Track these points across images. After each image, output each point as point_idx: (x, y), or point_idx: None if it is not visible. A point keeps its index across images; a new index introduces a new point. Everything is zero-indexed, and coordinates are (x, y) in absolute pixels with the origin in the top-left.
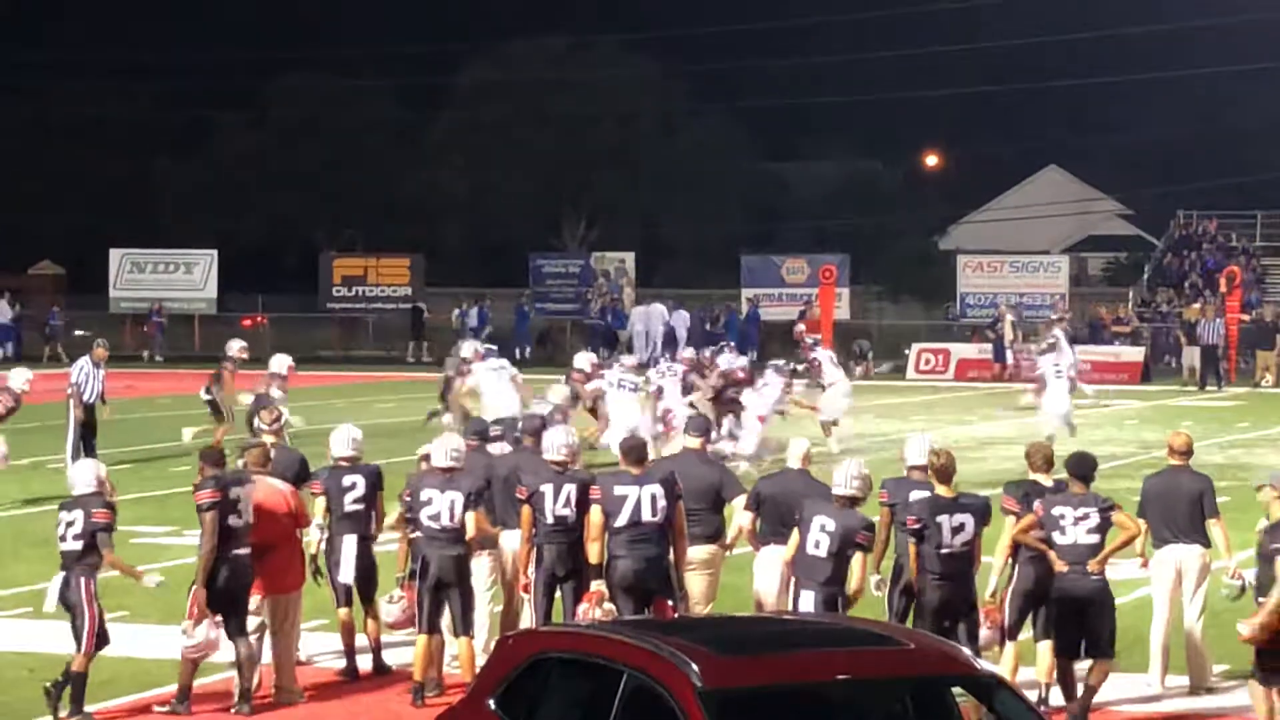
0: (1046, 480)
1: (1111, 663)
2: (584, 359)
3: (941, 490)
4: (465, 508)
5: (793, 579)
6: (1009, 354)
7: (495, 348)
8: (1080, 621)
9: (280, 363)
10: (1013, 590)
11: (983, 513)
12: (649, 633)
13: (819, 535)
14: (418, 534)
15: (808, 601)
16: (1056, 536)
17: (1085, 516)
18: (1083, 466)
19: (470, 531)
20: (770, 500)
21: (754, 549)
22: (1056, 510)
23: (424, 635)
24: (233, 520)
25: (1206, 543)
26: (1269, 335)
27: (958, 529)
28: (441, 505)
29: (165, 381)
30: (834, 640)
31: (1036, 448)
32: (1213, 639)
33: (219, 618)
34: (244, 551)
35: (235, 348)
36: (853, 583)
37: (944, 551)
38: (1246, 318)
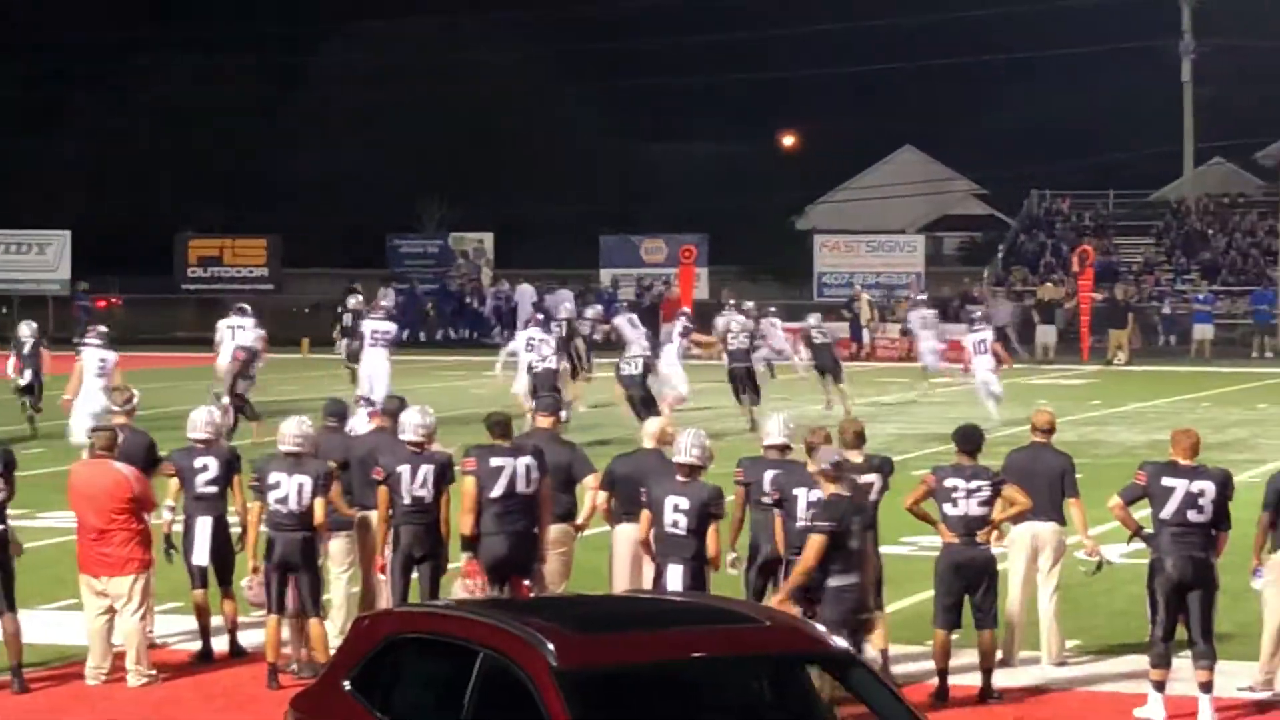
0: (857, 457)
1: (995, 633)
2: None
3: (811, 466)
4: (314, 493)
5: (656, 557)
6: (865, 333)
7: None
8: (969, 592)
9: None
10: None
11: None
12: (504, 612)
13: (675, 515)
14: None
15: (675, 577)
16: (948, 508)
17: (978, 489)
18: (970, 441)
19: (318, 517)
20: (624, 479)
21: (610, 527)
22: (949, 482)
23: (273, 616)
24: None
25: (1063, 520)
26: (1121, 314)
27: (814, 503)
28: (289, 489)
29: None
30: (690, 619)
31: (848, 424)
32: (1066, 614)
33: None
34: None
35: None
36: (710, 549)
37: (799, 525)
38: (1099, 296)
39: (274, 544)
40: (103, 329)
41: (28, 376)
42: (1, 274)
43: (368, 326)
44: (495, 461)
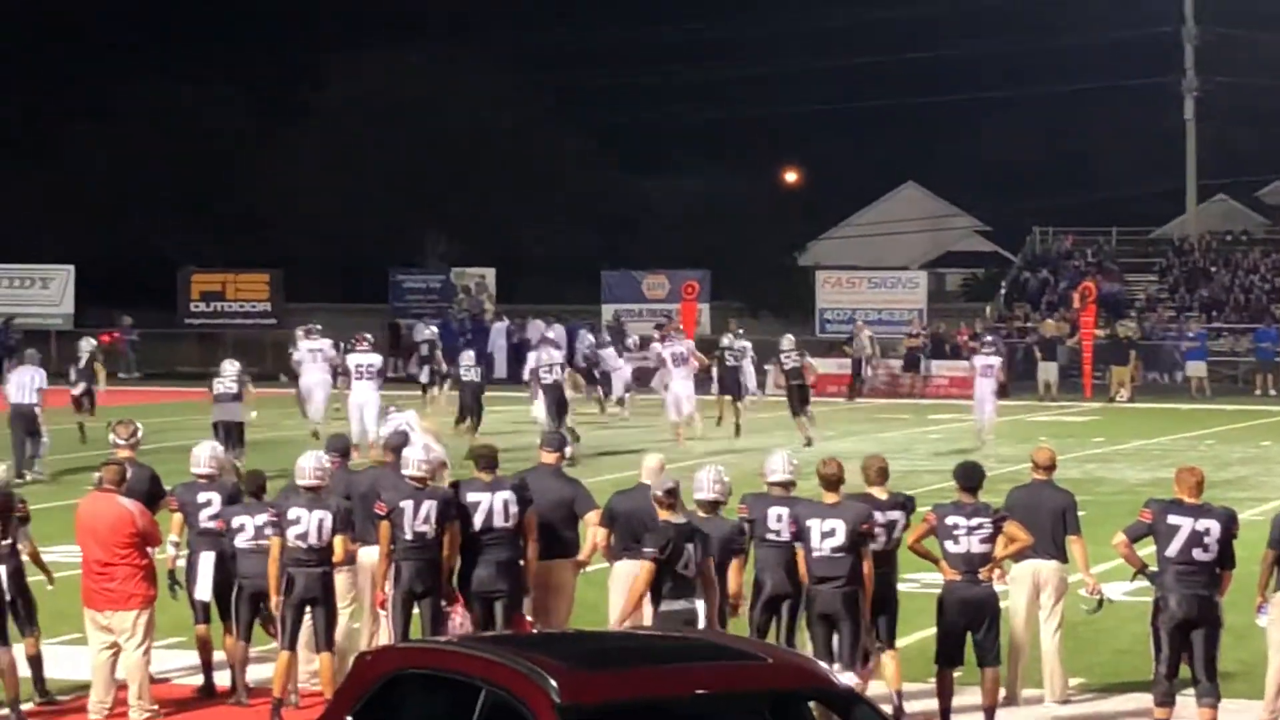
0: (880, 494)
1: (999, 670)
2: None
3: (827, 497)
4: (334, 529)
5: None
6: (867, 369)
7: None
8: (971, 629)
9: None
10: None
11: (856, 520)
12: (507, 648)
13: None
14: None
15: (699, 611)
16: (949, 545)
17: (979, 526)
18: (971, 478)
19: (339, 554)
20: (624, 516)
21: (609, 563)
22: (950, 520)
23: (285, 652)
24: None
25: (1065, 558)
26: (1123, 351)
27: (828, 534)
28: (310, 524)
29: None
30: (692, 655)
31: (871, 460)
32: (1070, 652)
33: None
34: None
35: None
36: (731, 586)
37: (815, 555)
38: (1102, 333)
39: (294, 580)
40: None
41: (80, 388)
42: (5, 308)
43: (353, 360)
44: (472, 497)
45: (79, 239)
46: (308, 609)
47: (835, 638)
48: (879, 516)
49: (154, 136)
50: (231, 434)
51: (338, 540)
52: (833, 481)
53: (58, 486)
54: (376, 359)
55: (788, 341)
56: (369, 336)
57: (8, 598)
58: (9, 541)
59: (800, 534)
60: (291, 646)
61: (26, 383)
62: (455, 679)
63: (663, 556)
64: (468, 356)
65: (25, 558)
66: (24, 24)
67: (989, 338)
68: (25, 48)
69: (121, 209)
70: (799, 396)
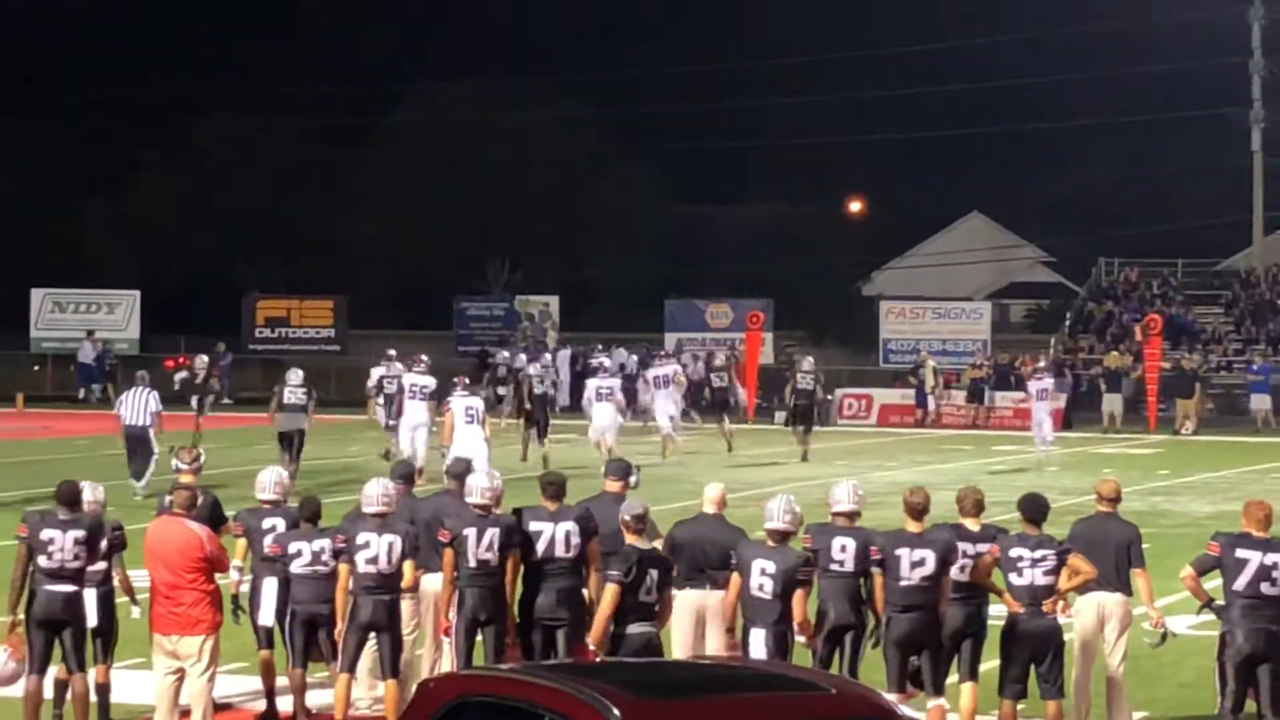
0: (974, 525)
1: (1063, 703)
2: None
3: (911, 526)
4: (403, 554)
5: (740, 619)
6: (931, 400)
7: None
8: (1035, 662)
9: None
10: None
11: (945, 550)
12: (569, 676)
13: (761, 579)
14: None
15: (757, 640)
16: (1013, 578)
17: (1043, 559)
18: (1036, 510)
19: (407, 579)
20: (684, 545)
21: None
22: (1014, 552)
23: (345, 676)
24: (41, 559)
25: (1130, 591)
26: (1189, 383)
27: (917, 563)
28: (380, 549)
29: (91, 423)
30: (754, 685)
31: (967, 492)
32: (1133, 686)
33: (15, 650)
34: (57, 589)
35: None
36: (796, 616)
37: (903, 584)
38: (1167, 365)
39: (360, 606)
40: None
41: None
42: (73, 333)
43: (408, 381)
44: (535, 526)
45: (145, 265)
46: (371, 635)
47: (919, 664)
48: (969, 548)
49: (220, 165)
50: (294, 442)
51: (406, 565)
52: (919, 510)
53: (136, 509)
54: (431, 381)
55: (808, 363)
56: (425, 358)
57: (94, 623)
58: (101, 567)
59: (885, 563)
60: (351, 670)
61: (140, 405)
62: (518, 706)
63: (626, 580)
64: (536, 368)
65: (115, 583)
66: (95, 56)
67: (1042, 363)
68: (97, 79)
69: (188, 236)
70: (804, 416)
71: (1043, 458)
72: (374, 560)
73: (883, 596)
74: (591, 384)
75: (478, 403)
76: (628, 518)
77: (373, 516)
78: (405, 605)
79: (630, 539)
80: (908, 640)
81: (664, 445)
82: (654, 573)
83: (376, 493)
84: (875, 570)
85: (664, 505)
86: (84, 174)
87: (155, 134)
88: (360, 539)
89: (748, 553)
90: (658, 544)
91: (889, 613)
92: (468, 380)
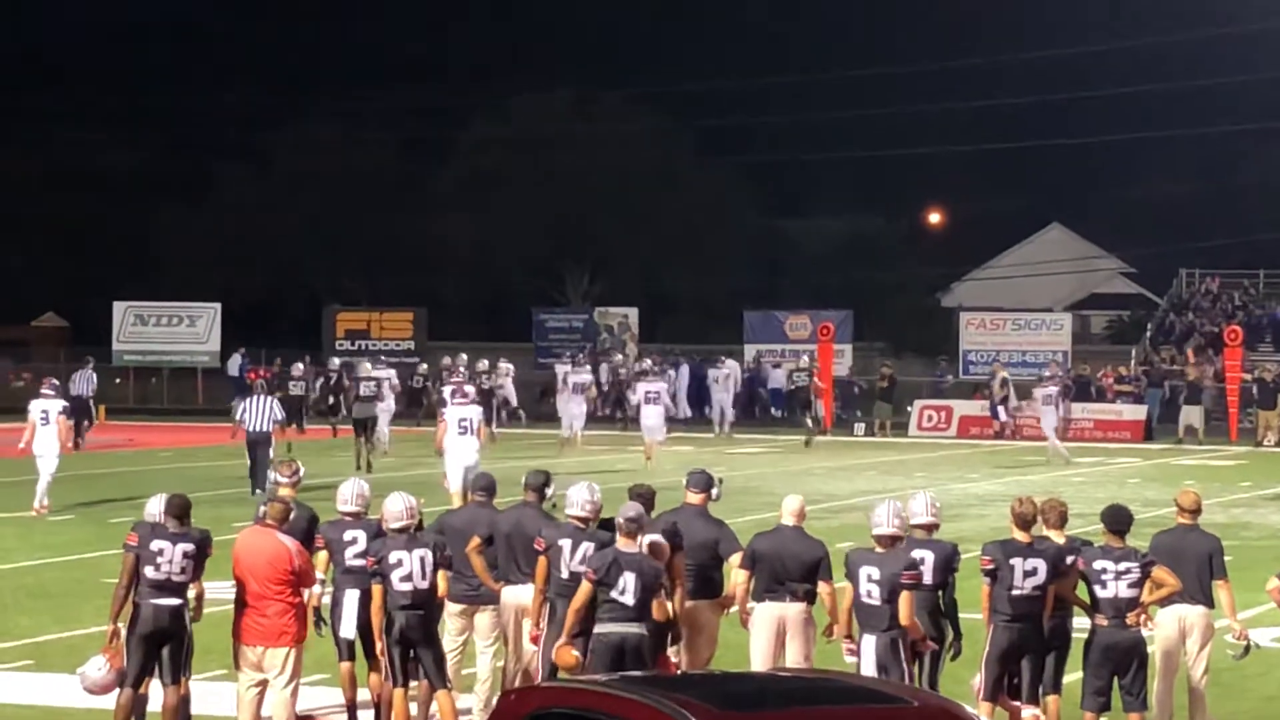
0: (1059, 537)
1: (1146, 716)
2: None
3: (1019, 536)
4: (435, 565)
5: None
6: (1001, 411)
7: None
8: (1118, 675)
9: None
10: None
11: (1056, 559)
12: (650, 688)
13: (868, 585)
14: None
15: (869, 646)
16: (1097, 590)
17: (1127, 571)
18: (1119, 522)
19: (442, 590)
20: (764, 557)
21: (740, 606)
22: (1098, 564)
23: (399, 690)
24: (149, 570)
25: (1211, 603)
26: (1270, 395)
27: (1030, 573)
28: (412, 564)
29: (171, 435)
30: (836, 697)
31: (1051, 505)
32: (1216, 698)
33: (114, 659)
34: (164, 602)
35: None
36: (903, 620)
37: (1015, 593)
38: (1248, 376)
39: (393, 620)
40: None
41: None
42: (154, 346)
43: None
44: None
45: (226, 278)
46: (411, 650)
47: (1020, 673)
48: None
49: (301, 176)
50: (369, 429)
51: (440, 576)
52: (1028, 520)
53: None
54: (477, 411)
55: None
56: (469, 389)
57: (190, 633)
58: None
59: (997, 573)
60: (405, 684)
61: (264, 412)
62: (599, 718)
63: (596, 578)
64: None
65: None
66: (176, 67)
67: (1047, 372)
68: (178, 91)
69: (268, 248)
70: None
71: (1053, 457)
72: (408, 577)
73: (988, 605)
74: (640, 388)
75: (473, 413)
76: (622, 520)
77: (398, 532)
78: (485, 616)
79: (621, 541)
80: (1012, 650)
81: (567, 444)
82: (630, 576)
83: (398, 508)
84: (985, 580)
85: (745, 517)
86: (165, 186)
87: (236, 145)
88: (392, 558)
89: (856, 560)
90: (667, 547)
91: (996, 622)
92: (470, 390)
